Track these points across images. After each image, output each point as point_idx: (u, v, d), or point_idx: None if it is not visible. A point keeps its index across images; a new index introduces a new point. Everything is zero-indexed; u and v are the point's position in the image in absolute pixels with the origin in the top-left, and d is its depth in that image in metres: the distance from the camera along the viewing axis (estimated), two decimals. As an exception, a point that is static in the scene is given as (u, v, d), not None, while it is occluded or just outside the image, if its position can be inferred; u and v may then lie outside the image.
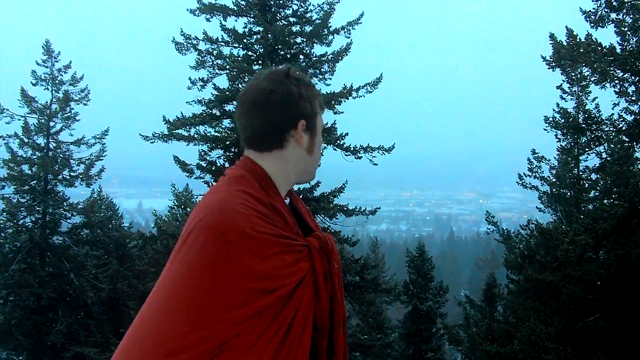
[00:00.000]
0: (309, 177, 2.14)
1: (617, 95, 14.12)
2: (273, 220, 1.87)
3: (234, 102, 18.62)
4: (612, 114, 15.15)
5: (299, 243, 1.92)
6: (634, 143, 14.71)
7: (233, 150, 18.55)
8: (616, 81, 13.76)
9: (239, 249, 1.72)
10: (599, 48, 13.55)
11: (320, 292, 1.97)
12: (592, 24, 14.02)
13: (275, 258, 1.80)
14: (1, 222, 23.71)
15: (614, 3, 13.76)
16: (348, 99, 18.70)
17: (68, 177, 24.53)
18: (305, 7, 19.22)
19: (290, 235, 1.90)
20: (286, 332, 1.80)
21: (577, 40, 14.08)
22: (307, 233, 2.07)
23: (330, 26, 18.83)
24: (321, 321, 2.00)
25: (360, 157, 18.81)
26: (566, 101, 19.09)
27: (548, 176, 21.33)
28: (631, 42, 13.70)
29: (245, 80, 18.44)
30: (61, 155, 24.45)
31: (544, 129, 18.84)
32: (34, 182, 23.94)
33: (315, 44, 19.18)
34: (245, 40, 18.95)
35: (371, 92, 18.82)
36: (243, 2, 18.74)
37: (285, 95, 1.97)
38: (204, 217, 1.78)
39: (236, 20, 19.00)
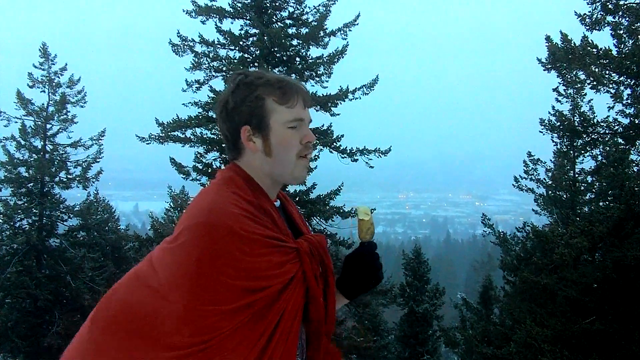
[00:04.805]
0: (285, 178, 2.07)
1: (612, 100, 14.16)
2: (262, 221, 1.89)
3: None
4: (608, 116, 15.19)
5: (287, 245, 1.94)
6: (630, 146, 14.74)
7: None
8: (611, 85, 13.79)
9: (227, 247, 1.75)
10: (594, 51, 13.58)
11: (317, 296, 2.00)
12: (588, 27, 14.05)
13: (262, 258, 1.82)
14: (-2, 224, 23.68)
15: (610, 6, 13.80)
16: (344, 101, 18.72)
17: (65, 180, 24.45)
18: (301, 10, 19.24)
19: (279, 236, 1.92)
20: (272, 333, 1.83)
21: (572, 44, 14.11)
22: (298, 235, 2.10)
23: (326, 28, 18.84)
24: (317, 321, 2.03)
25: (356, 160, 18.82)
26: (562, 104, 19.07)
27: (544, 179, 21.31)
28: (627, 45, 13.73)
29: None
30: (58, 158, 24.39)
31: (540, 132, 18.85)
32: (31, 184, 23.88)
33: (311, 46, 19.19)
34: (241, 43, 18.95)
35: (367, 94, 18.85)
36: (239, 5, 18.76)
37: (224, 108, 2.01)
38: (195, 217, 1.81)
39: (232, 23, 19.01)
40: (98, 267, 25.76)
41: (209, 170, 18.26)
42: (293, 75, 18.23)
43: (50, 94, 24.09)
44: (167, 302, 1.74)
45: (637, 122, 14.39)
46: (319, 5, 18.97)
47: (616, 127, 14.99)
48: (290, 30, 19.18)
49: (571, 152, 19.67)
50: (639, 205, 13.24)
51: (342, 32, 18.91)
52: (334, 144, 18.71)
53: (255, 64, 18.45)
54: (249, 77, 2.01)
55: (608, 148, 16.11)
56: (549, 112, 19.09)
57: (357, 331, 21.11)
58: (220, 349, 1.72)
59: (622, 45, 13.71)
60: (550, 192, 20.92)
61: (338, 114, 18.97)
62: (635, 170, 14.95)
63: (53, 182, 24.29)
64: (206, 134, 18.74)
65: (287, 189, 16.60)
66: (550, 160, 21.40)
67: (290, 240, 1.98)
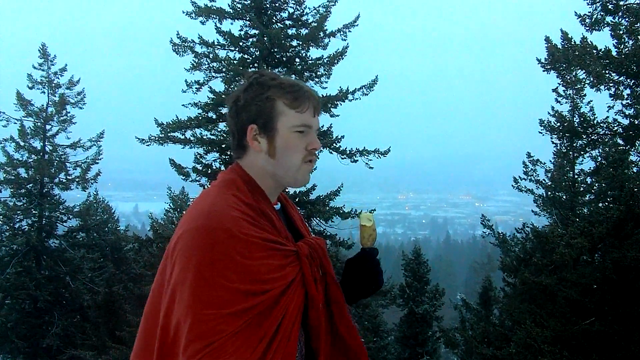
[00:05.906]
0: (288, 180, 2.06)
1: (612, 98, 14.14)
2: (261, 224, 1.89)
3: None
4: (607, 117, 15.18)
5: (286, 248, 1.94)
6: (629, 146, 14.73)
7: (229, 153, 18.50)
8: (611, 84, 13.78)
9: (227, 251, 1.75)
10: (594, 51, 13.58)
11: (316, 300, 1.99)
12: (588, 28, 14.04)
13: (262, 262, 1.82)
14: (-2, 225, 23.71)
15: (610, 6, 13.80)
16: (344, 101, 18.69)
17: (64, 181, 24.49)
18: (301, 10, 19.20)
19: (278, 239, 1.92)
20: (273, 336, 1.82)
21: (572, 43, 14.11)
22: (299, 238, 2.09)
23: (326, 29, 18.82)
24: (316, 326, 2.03)
25: (356, 161, 18.78)
26: (561, 104, 19.07)
27: (543, 179, 21.31)
28: (627, 45, 13.71)
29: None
30: (57, 159, 24.42)
31: (539, 132, 18.83)
32: (30, 185, 23.94)
33: (311, 47, 19.16)
34: (241, 43, 18.93)
35: (367, 94, 18.81)
36: (239, 5, 18.74)
37: (235, 104, 2.03)
38: (195, 220, 1.82)
39: (232, 23, 18.98)
40: (97, 267, 25.78)
41: (209, 171, 18.23)
42: (293, 76, 18.21)
43: (49, 95, 24.14)
44: (171, 307, 1.77)
45: (636, 122, 14.39)
46: (319, 6, 18.95)
47: (616, 128, 14.97)
48: (290, 31, 19.14)
49: (570, 153, 19.68)
50: (639, 206, 13.23)
51: (341, 33, 18.88)
52: (334, 144, 18.68)
53: (255, 65, 18.42)
54: (263, 77, 2.03)
55: (607, 149, 16.08)
56: (549, 113, 19.09)
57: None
58: (221, 352, 1.71)
59: (622, 46, 13.70)
60: (549, 193, 20.92)
61: (338, 115, 18.96)
62: (635, 171, 14.93)
63: (52, 183, 24.34)
64: (206, 134, 18.69)
65: (286, 190, 16.59)
66: (550, 161, 21.41)
67: (289, 243, 1.98)
